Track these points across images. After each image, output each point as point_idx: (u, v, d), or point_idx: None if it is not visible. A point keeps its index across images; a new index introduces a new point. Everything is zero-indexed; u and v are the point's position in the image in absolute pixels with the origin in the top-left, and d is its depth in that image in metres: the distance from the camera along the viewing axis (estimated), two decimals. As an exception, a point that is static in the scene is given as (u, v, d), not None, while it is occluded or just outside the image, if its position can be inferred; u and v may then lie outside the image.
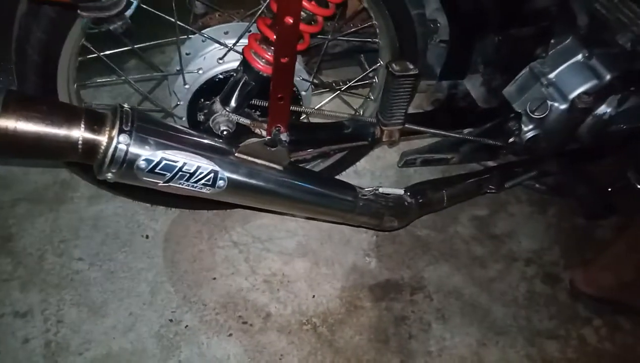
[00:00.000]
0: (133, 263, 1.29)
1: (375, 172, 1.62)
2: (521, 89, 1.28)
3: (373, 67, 1.31)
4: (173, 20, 1.04)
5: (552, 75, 1.24)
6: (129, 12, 0.86)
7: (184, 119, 1.16)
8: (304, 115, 1.28)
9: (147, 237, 1.35)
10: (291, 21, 0.82)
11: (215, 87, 1.09)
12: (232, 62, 1.09)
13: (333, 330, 1.26)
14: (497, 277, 1.43)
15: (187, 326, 1.21)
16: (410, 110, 1.36)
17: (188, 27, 1.11)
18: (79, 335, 1.16)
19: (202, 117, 1.12)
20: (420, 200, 1.28)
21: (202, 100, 1.13)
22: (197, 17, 1.28)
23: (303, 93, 1.21)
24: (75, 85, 1.05)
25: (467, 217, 1.54)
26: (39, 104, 0.76)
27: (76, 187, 1.42)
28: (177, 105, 1.14)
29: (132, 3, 0.90)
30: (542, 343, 1.32)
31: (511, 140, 1.32)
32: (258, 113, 1.11)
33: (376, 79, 1.33)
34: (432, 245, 1.47)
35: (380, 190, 1.21)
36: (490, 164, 1.45)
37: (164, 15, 1.02)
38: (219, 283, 1.29)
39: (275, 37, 0.87)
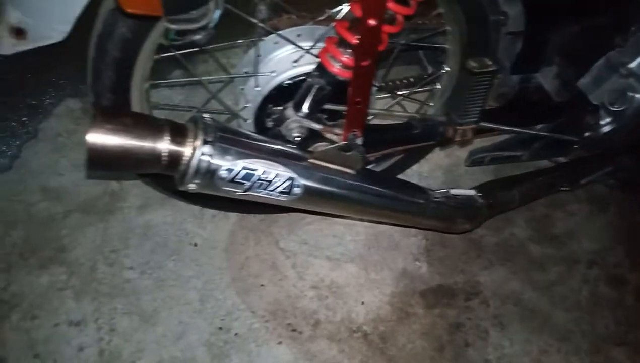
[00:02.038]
0: (182, 271, 1.29)
1: (423, 173, 1.56)
2: (597, 80, 1.21)
3: (435, 73, 1.26)
4: (255, 21, 1.02)
5: (632, 65, 1.15)
6: (212, 23, 0.86)
7: (249, 121, 1.14)
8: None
9: (195, 244, 1.35)
10: (374, 23, 0.79)
11: (284, 92, 1.07)
12: (306, 66, 1.06)
13: (384, 338, 1.22)
14: (558, 280, 1.35)
15: (236, 334, 1.20)
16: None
17: (266, 28, 1.08)
18: (130, 343, 1.17)
19: (271, 122, 1.10)
20: (492, 201, 1.22)
21: (271, 105, 1.10)
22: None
23: None
24: (147, 84, 1.04)
25: (523, 218, 1.47)
26: (123, 117, 0.77)
27: (125, 197, 1.44)
28: (245, 107, 1.12)
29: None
30: (608, 350, 1.23)
31: (586, 134, 1.25)
32: (325, 117, 1.08)
33: (438, 85, 1.28)
34: (486, 248, 1.40)
35: (452, 191, 1.17)
36: (561, 160, 1.37)
37: (246, 17, 1.02)
38: (267, 290, 1.28)
39: (356, 39, 0.85)
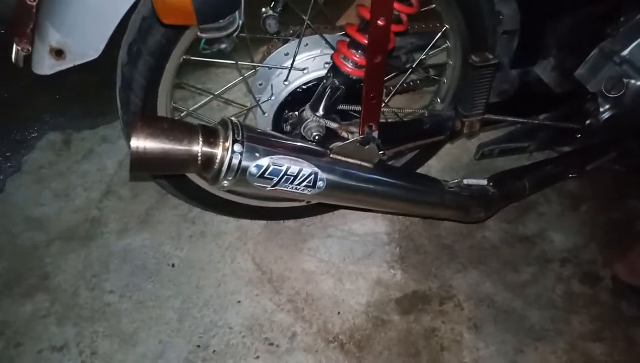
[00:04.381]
0: (160, 292, 1.33)
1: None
2: (593, 69, 1.27)
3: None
4: (304, 18, 1.09)
5: (625, 53, 1.22)
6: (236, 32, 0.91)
7: (267, 114, 1.17)
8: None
9: (173, 265, 1.39)
10: (383, 23, 0.86)
11: (307, 92, 1.12)
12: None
13: (361, 346, 1.24)
14: (531, 280, 1.37)
15: (214, 351, 1.22)
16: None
17: (312, 27, 1.14)
18: (111, 365, 1.20)
19: (289, 126, 1.16)
20: (503, 190, 1.28)
21: (289, 107, 1.16)
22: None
23: None
24: (183, 57, 1.05)
25: (494, 221, 1.49)
26: (160, 121, 0.84)
27: (105, 222, 1.48)
28: (268, 100, 1.16)
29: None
30: (585, 347, 1.25)
31: (588, 122, 1.30)
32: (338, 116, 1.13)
33: (444, 80, 1.34)
34: (459, 253, 1.43)
35: (465, 181, 1.23)
36: (566, 149, 1.42)
37: (300, 14, 1.09)
38: (244, 306, 1.31)
39: (367, 39, 0.91)
